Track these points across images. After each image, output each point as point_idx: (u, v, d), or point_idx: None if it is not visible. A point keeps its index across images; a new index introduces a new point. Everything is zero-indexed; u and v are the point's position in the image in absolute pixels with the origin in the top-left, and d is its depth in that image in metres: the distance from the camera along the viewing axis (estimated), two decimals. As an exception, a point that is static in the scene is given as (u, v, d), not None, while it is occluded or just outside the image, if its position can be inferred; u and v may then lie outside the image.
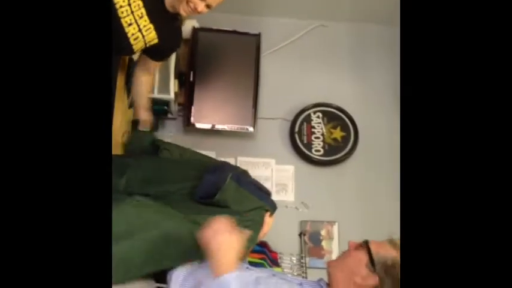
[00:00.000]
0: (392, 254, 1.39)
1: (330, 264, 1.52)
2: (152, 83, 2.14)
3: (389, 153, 3.07)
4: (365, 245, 1.45)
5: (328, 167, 3.03)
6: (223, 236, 1.32)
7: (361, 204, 2.97)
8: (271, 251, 1.97)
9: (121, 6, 1.76)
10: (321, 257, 2.81)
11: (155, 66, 2.13)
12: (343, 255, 1.50)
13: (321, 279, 1.51)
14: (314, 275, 2.64)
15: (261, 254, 1.86)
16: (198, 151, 2.44)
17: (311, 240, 2.83)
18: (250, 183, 1.78)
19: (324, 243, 2.84)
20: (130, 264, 1.41)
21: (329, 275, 1.48)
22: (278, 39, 3.20)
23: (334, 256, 2.82)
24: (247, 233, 1.51)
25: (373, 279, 1.37)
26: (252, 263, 1.81)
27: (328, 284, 1.45)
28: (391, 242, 1.45)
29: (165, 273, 1.50)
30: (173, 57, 2.61)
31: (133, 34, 1.83)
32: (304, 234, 2.74)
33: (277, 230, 2.22)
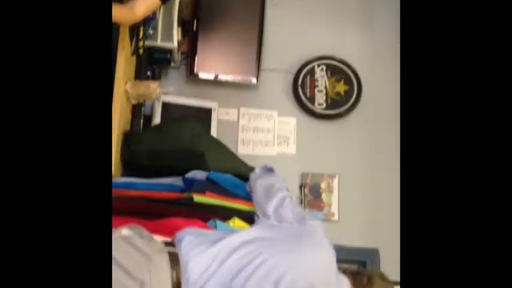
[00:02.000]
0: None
1: None
2: (130, 18, 1.92)
3: (392, 107, 3.05)
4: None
5: (331, 121, 3.03)
6: None
7: (362, 158, 2.98)
8: (271, 201, 1.99)
9: None
10: (321, 209, 2.85)
11: (147, 6, 1.92)
12: None
13: None
14: (313, 226, 2.68)
15: (262, 204, 1.88)
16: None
17: (311, 193, 2.86)
18: None
19: (323, 196, 2.87)
20: None
21: None
22: (284, -11, 3.13)
23: (333, 209, 2.86)
24: None
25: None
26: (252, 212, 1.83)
27: None
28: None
29: None
30: (176, 4, 2.56)
31: None
32: (305, 187, 2.77)
33: (278, 182, 2.24)
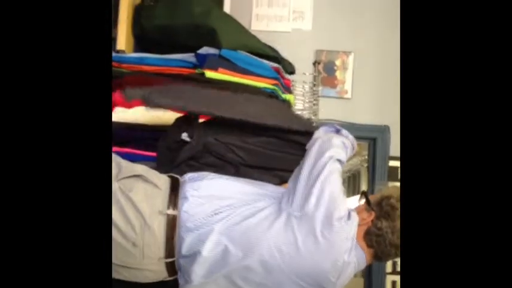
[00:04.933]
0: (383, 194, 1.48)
1: None
2: None
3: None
4: (363, 194, 1.52)
5: (349, -5, 2.91)
6: None
7: (378, 35, 2.90)
8: (284, 78, 1.99)
9: None
10: (334, 86, 2.85)
11: None
12: None
13: None
14: (325, 104, 2.70)
15: (274, 80, 1.88)
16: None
17: (325, 70, 2.84)
18: None
19: (337, 74, 2.86)
20: None
21: None
22: None
23: (347, 86, 2.86)
24: None
25: (371, 216, 1.44)
26: (265, 88, 1.84)
27: None
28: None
29: None
30: None
31: None
32: (319, 63, 2.75)
33: (292, 58, 2.21)
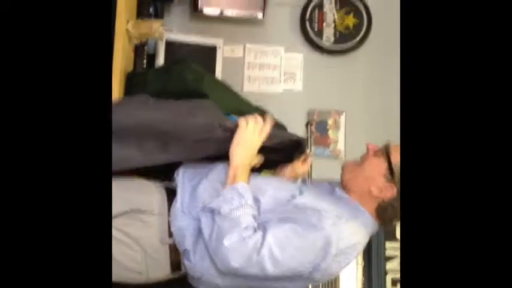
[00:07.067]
0: None
1: (345, 169, 1.41)
2: None
3: (402, 42, 2.98)
4: (385, 152, 1.35)
5: (339, 56, 2.96)
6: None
7: (370, 94, 2.94)
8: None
9: None
10: (327, 146, 2.86)
11: None
12: (360, 161, 1.40)
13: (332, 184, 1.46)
14: (319, 163, 2.70)
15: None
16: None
17: (317, 130, 2.85)
18: None
19: (330, 133, 2.87)
20: None
21: (343, 181, 1.39)
22: None
23: (339, 146, 2.86)
24: None
25: (391, 191, 1.28)
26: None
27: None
28: None
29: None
30: None
31: None
32: (311, 124, 2.76)
33: (284, 119, 2.23)
